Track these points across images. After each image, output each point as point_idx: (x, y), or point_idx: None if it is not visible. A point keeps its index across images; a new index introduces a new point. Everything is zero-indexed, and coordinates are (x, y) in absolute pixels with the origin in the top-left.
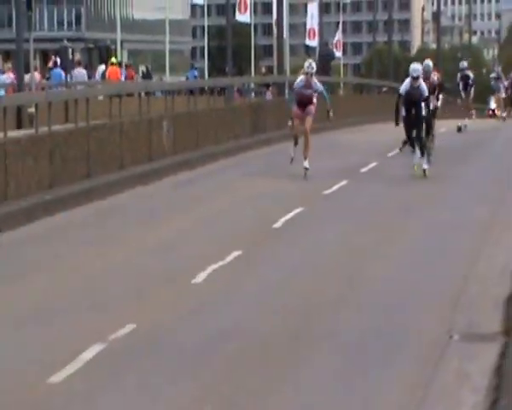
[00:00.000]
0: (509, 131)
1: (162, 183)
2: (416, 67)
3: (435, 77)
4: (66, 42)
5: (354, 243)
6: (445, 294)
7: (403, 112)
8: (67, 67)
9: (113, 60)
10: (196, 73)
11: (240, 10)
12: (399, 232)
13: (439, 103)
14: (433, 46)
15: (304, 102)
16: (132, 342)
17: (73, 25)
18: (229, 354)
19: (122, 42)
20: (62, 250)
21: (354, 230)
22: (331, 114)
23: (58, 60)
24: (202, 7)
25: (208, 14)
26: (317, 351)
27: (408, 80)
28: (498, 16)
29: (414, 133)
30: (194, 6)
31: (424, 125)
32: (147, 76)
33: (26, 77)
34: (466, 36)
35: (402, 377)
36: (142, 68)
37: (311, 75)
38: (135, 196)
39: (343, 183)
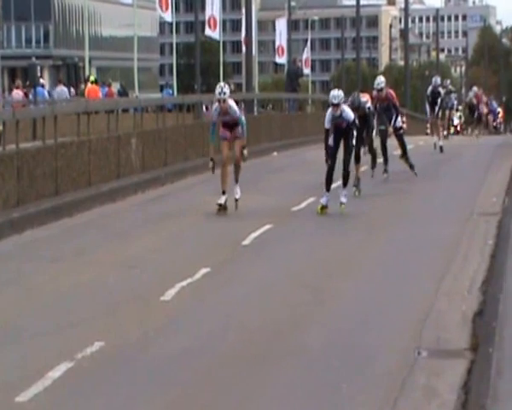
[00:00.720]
0: (470, 150)
1: (131, 200)
2: (335, 94)
3: (388, 91)
4: (34, 59)
5: (322, 260)
6: (413, 310)
7: (330, 141)
8: (36, 84)
9: (92, 78)
10: (171, 91)
11: (209, 28)
12: (367, 248)
13: (400, 123)
14: (401, 63)
15: (229, 124)
16: (100, 359)
17: (41, 42)
18: (197, 371)
19: (90, 59)
20: (30, 268)
21: (322, 246)
22: (245, 152)
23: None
24: (171, 24)
25: (177, 32)
26: (284, 368)
27: (329, 110)
28: (465, 34)
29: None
30: (162, 23)
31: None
32: (123, 94)
33: None
34: (433, 53)
35: (370, 393)
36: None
37: (224, 101)
38: (103, 214)
39: (311, 199)
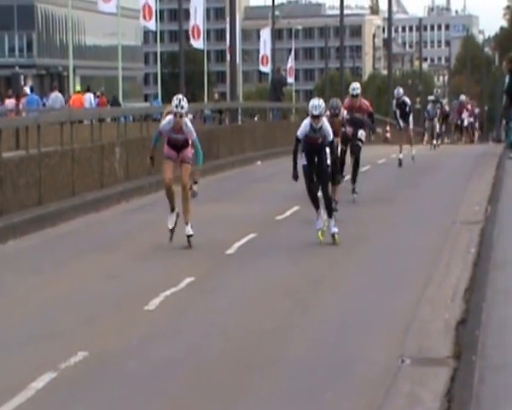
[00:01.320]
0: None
1: (114, 209)
2: (316, 104)
3: (363, 101)
4: (17, 68)
5: (306, 269)
6: (396, 319)
7: (303, 160)
8: (19, 94)
9: (78, 88)
10: (160, 101)
11: (193, 37)
12: (351, 257)
13: (363, 136)
14: (385, 72)
15: (178, 145)
16: (84, 369)
17: (25, 51)
18: (181, 380)
19: (74, 68)
20: (12, 278)
21: (306, 256)
22: (195, 188)
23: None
24: (155, 33)
25: (161, 41)
26: (268, 377)
27: (307, 121)
28: (448, 43)
29: (317, 188)
30: (146, 32)
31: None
32: (115, 103)
33: None
34: (417, 63)
35: (354, 401)
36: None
37: (181, 116)
38: (87, 223)
39: (296, 208)
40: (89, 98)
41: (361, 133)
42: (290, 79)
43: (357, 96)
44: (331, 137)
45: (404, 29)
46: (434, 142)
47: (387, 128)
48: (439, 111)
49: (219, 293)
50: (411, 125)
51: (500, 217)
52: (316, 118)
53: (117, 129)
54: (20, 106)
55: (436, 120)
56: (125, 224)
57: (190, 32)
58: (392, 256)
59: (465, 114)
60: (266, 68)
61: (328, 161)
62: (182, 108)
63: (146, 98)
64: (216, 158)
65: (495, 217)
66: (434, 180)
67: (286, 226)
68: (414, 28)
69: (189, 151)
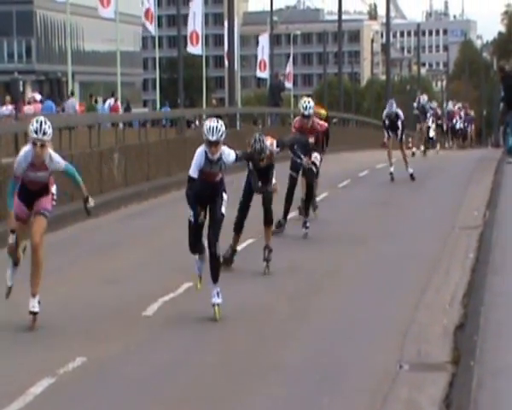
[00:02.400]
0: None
1: (113, 215)
2: (213, 125)
3: (317, 122)
4: (16, 74)
5: (305, 274)
6: (395, 323)
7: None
8: (18, 100)
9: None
10: (168, 108)
11: (192, 42)
12: (349, 262)
13: (318, 160)
14: (383, 78)
15: (32, 193)
16: (83, 375)
17: (24, 57)
18: (180, 385)
19: (73, 74)
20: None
21: (305, 260)
22: (91, 203)
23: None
24: (153, 39)
25: (159, 46)
26: (266, 382)
27: (201, 149)
28: (446, 49)
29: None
30: (145, 38)
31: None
32: (127, 109)
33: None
34: (415, 68)
35: (352, 407)
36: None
37: (43, 145)
38: (85, 229)
39: (294, 214)
40: (71, 104)
41: (315, 156)
42: (288, 85)
43: (309, 116)
44: (232, 157)
45: (402, 34)
46: (422, 147)
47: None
48: (432, 113)
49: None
50: (403, 138)
51: (498, 222)
52: (213, 145)
53: (115, 135)
54: (25, 111)
55: (426, 123)
56: (124, 229)
57: (189, 38)
58: (390, 261)
59: (458, 119)
60: (264, 74)
61: (223, 209)
62: (44, 133)
63: (145, 104)
64: None
65: (493, 222)
66: (433, 185)
67: (284, 231)
68: (412, 33)
69: (49, 200)
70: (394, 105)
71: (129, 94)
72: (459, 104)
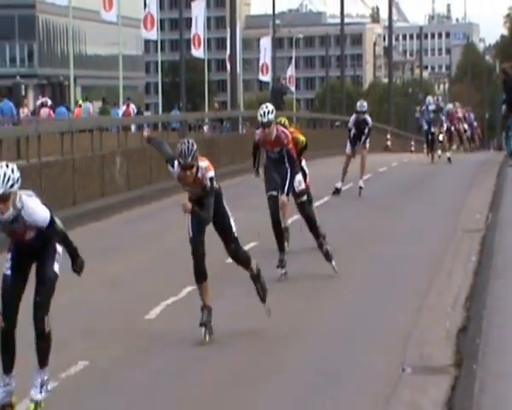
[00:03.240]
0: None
1: (116, 219)
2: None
3: (281, 131)
4: (18, 78)
5: (306, 277)
6: (397, 326)
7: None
8: (18, 102)
9: (80, 101)
10: (178, 112)
11: (194, 46)
12: (352, 265)
13: (302, 184)
14: (385, 81)
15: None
16: (85, 379)
17: (26, 61)
18: (183, 389)
19: (75, 78)
20: None
21: (306, 263)
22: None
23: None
24: (155, 42)
25: (162, 50)
26: (266, 387)
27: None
28: (449, 52)
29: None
30: (147, 42)
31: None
32: (137, 113)
33: None
34: (417, 71)
35: None
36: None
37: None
38: (87, 233)
39: (296, 217)
40: (87, 109)
41: (299, 181)
42: (291, 88)
43: (268, 124)
44: (46, 222)
45: (404, 37)
46: (439, 153)
47: (388, 136)
48: (445, 119)
49: (220, 301)
50: (367, 145)
51: (501, 225)
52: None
53: (117, 138)
54: (42, 114)
55: (437, 129)
56: (126, 233)
57: (191, 41)
58: (392, 264)
59: (458, 122)
60: (266, 77)
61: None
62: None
63: (147, 107)
64: (216, 167)
65: (496, 225)
66: (435, 188)
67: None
68: (414, 36)
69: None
70: (365, 104)
71: (131, 97)
72: (457, 104)
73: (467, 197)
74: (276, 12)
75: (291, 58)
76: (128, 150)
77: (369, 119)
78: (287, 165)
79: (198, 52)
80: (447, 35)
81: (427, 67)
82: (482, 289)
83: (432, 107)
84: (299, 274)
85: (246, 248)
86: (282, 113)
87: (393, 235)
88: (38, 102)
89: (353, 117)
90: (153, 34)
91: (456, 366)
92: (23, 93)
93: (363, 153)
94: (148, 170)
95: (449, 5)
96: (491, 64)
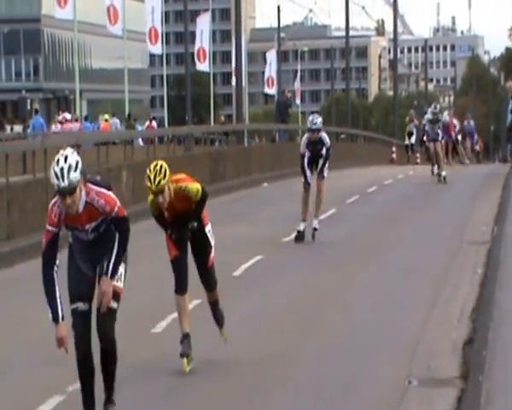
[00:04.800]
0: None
1: None
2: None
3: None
4: (24, 92)
5: (313, 290)
6: (403, 339)
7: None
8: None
9: (106, 116)
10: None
11: (199, 59)
12: (358, 277)
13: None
14: (390, 93)
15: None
16: None
17: (31, 75)
18: (188, 404)
19: (81, 91)
20: (21, 301)
21: (313, 277)
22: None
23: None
24: (161, 56)
25: (167, 64)
26: (274, 398)
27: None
28: (454, 64)
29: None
30: (152, 55)
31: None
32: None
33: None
34: (422, 83)
35: None
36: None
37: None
38: None
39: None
40: (115, 124)
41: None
42: (296, 101)
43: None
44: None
45: (409, 50)
46: (444, 173)
47: (393, 149)
48: (440, 132)
49: (226, 315)
50: (325, 174)
51: (506, 237)
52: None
53: (124, 152)
54: (72, 128)
55: (439, 144)
56: (132, 247)
57: (196, 55)
58: (399, 275)
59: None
60: (272, 90)
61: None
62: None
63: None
64: (222, 180)
65: (501, 237)
66: (442, 200)
67: (293, 248)
68: (419, 49)
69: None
70: (319, 121)
71: (137, 111)
72: (447, 112)
73: (472, 209)
74: (281, 25)
75: (296, 71)
76: (134, 164)
77: (325, 137)
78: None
79: (203, 66)
80: (452, 48)
81: (432, 80)
82: (488, 301)
83: (429, 115)
84: (303, 288)
85: (251, 262)
86: (287, 126)
87: (399, 247)
88: (60, 118)
89: (305, 137)
90: (158, 48)
91: (462, 378)
92: (28, 107)
93: (320, 185)
94: None
95: (454, 18)
96: (496, 76)
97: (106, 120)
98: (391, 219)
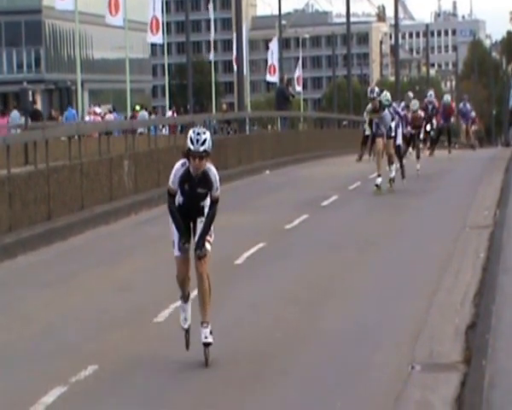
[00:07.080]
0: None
1: (124, 222)
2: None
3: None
4: (26, 84)
5: (315, 277)
6: (406, 324)
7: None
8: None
9: (137, 107)
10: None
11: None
12: (360, 263)
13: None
14: (392, 79)
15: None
16: (95, 383)
17: (33, 66)
18: (192, 392)
19: (83, 82)
20: (22, 293)
21: (315, 264)
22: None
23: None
24: (162, 46)
25: (168, 53)
26: (278, 386)
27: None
28: (455, 49)
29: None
30: (154, 45)
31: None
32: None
33: None
34: (424, 68)
35: (363, 408)
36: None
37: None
38: (96, 237)
39: (304, 217)
40: (143, 116)
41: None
42: (298, 88)
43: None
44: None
45: (410, 35)
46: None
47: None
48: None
49: (228, 303)
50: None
51: (509, 221)
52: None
53: (125, 142)
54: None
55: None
56: (135, 236)
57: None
58: (401, 261)
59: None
60: (274, 78)
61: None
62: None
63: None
64: (224, 168)
65: (504, 221)
66: (444, 185)
67: (295, 235)
68: (421, 34)
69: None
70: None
71: (138, 101)
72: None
73: (475, 194)
74: (283, 12)
75: (298, 58)
76: (136, 154)
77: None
78: None
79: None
80: (453, 32)
81: (433, 65)
82: (491, 285)
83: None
84: (306, 276)
85: (253, 250)
86: (289, 113)
87: (402, 232)
88: (91, 110)
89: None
90: (159, 38)
91: (465, 362)
92: (30, 99)
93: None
94: (155, 173)
95: (455, 2)
96: (498, 60)
97: (137, 112)
98: (393, 205)
